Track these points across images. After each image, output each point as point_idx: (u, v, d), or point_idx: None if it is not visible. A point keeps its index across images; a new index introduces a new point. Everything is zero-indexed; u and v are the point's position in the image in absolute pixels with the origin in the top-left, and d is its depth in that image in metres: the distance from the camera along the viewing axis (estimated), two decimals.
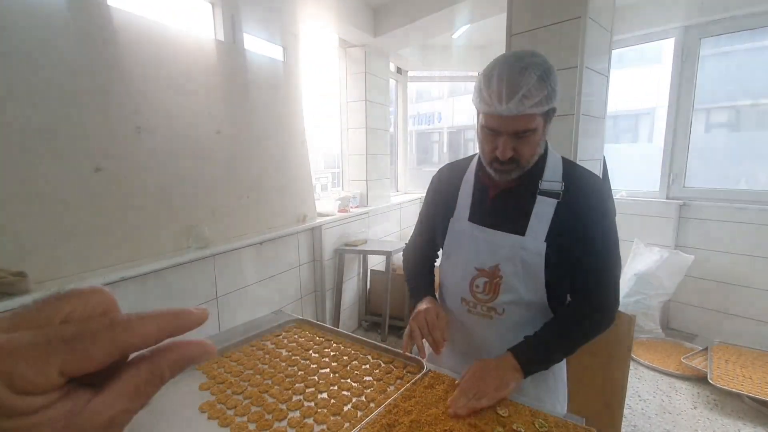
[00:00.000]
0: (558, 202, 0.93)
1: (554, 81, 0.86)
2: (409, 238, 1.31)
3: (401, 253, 3.17)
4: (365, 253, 3.25)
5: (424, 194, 1.23)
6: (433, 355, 1.06)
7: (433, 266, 1.24)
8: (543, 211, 0.94)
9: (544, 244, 0.93)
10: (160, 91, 1.74)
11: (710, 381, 2.28)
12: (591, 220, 0.93)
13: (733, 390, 2.19)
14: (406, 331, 1.03)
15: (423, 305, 1.06)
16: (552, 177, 0.96)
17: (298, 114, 2.56)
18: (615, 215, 0.99)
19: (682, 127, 3.06)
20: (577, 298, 0.99)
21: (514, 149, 0.90)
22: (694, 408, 2.22)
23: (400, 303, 3.16)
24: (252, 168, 2.22)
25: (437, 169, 1.21)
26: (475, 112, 0.97)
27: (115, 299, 0.23)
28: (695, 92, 3.00)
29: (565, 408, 1.10)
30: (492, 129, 0.90)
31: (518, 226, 0.96)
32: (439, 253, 1.19)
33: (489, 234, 0.99)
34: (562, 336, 0.95)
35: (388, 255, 2.94)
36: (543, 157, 0.98)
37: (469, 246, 1.02)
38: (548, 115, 0.90)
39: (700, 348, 2.72)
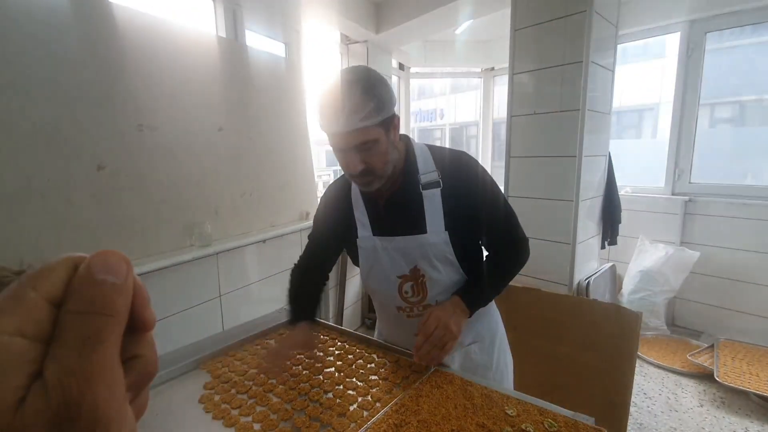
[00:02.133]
0: (441, 189, 0.99)
1: (381, 91, 0.89)
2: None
3: None
4: None
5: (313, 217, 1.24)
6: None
7: (318, 291, 1.23)
8: (432, 203, 0.99)
9: (446, 233, 1.00)
10: (162, 88, 1.73)
11: (717, 378, 2.27)
12: (475, 188, 1.02)
13: (740, 387, 2.18)
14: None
15: (293, 333, 1.11)
16: (426, 169, 1.01)
17: (300, 111, 2.55)
18: (488, 174, 1.06)
19: (687, 122, 3.03)
20: (494, 248, 1.10)
21: (364, 161, 0.92)
22: (701, 406, 2.21)
23: None
24: (254, 165, 2.21)
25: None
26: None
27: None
28: (701, 87, 2.97)
29: (511, 363, 1.23)
30: (336, 147, 0.93)
31: (418, 225, 1.00)
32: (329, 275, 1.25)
33: (396, 242, 1.02)
34: (494, 277, 1.08)
35: None
36: (411, 154, 1.03)
37: (384, 258, 1.05)
38: (387, 124, 0.92)
39: (706, 345, 2.70)
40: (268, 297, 2.33)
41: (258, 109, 2.22)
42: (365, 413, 0.83)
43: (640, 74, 3.86)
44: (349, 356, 1.07)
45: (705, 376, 2.41)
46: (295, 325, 1.13)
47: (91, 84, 1.48)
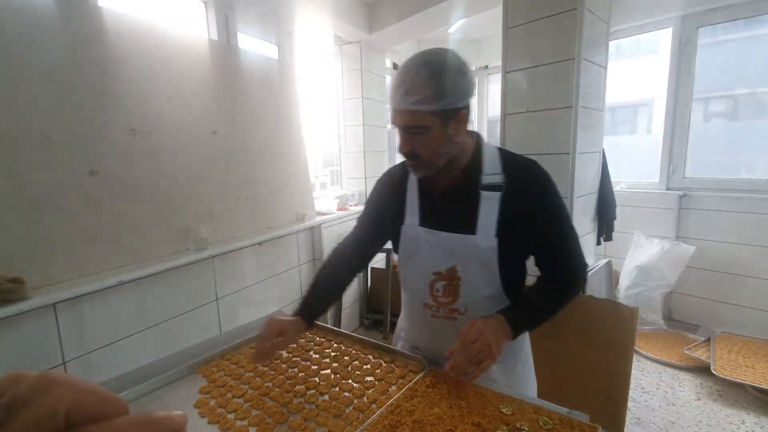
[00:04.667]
0: (502, 195, 0.95)
1: (450, 81, 0.86)
2: None
3: None
4: None
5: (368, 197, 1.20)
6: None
7: (350, 278, 1.20)
8: (489, 206, 0.95)
9: (495, 240, 0.94)
10: (154, 92, 1.72)
11: (713, 371, 2.28)
12: (540, 204, 0.96)
13: (737, 380, 2.19)
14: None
15: (282, 319, 1.02)
16: (492, 170, 0.97)
17: (295, 112, 2.55)
18: (558, 191, 1.01)
19: (681, 117, 3.04)
20: (548, 273, 1.03)
21: (411, 144, 0.91)
22: (698, 399, 2.22)
23: (401, 301, 3.15)
24: (249, 168, 2.21)
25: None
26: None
27: (82, 388, 0.19)
28: (694, 82, 2.98)
29: (536, 392, 1.14)
30: (392, 122, 0.93)
31: (468, 225, 0.96)
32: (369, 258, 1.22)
33: (441, 237, 0.99)
34: (545, 305, 1.00)
35: (389, 253, 2.93)
36: (478, 153, 0.99)
37: (424, 251, 1.02)
38: (447, 115, 0.89)
39: (703, 339, 2.72)
40: (266, 299, 2.34)
41: (251, 111, 2.22)
42: (361, 415, 0.83)
43: (634, 70, 3.87)
44: (345, 358, 1.07)
45: (702, 370, 2.43)
46: (299, 307, 1.08)
47: (82, 89, 1.48)
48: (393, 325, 3.04)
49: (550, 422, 0.77)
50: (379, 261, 3.50)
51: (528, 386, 1.12)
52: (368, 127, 3.38)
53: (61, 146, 1.42)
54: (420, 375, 0.95)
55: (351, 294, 3.20)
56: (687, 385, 2.34)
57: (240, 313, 2.15)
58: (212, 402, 0.90)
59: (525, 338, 1.14)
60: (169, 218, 1.79)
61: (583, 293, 1.01)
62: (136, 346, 1.64)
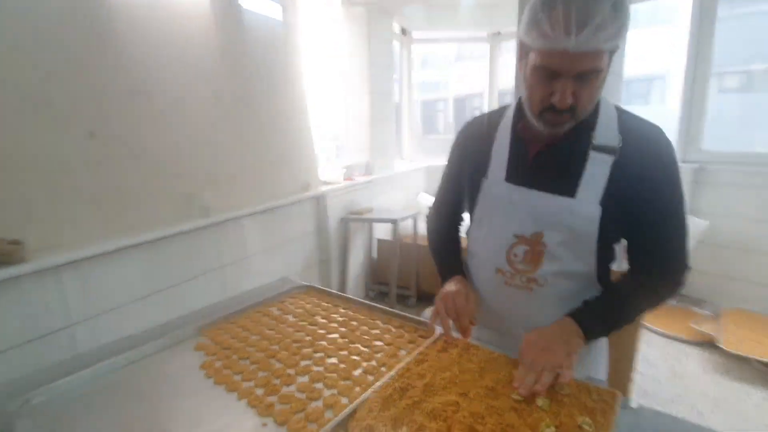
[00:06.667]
0: (615, 159, 0.79)
1: (627, 13, 0.71)
2: (431, 204, 1.18)
3: (408, 221, 3.09)
4: (372, 221, 3.21)
5: (449, 152, 1.07)
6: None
7: (459, 235, 1.13)
8: (597, 169, 0.80)
9: (599, 208, 0.80)
10: (153, 52, 1.65)
11: (720, 345, 2.26)
12: (656, 178, 0.80)
13: (743, 354, 2.18)
14: (433, 311, 0.95)
15: (451, 286, 0.95)
16: (607, 129, 0.81)
17: (299, 77, 2.46)
18: (679, 170, 0.82)
19: (698, 89, 2.91)
20: (641, 265, 0.88)
21: (574, 95, 0.74)
22: (704, 373, 2.21)
23: (407, 272, 3.14)
24: (252, 133, 2.15)
25: (457, 132, 1.06)
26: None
27: None
28: (712, 54, 2.84)
29: (606, 375, 1.00)
30: (551, 69, 0.73)
31: (567, 187, 0.82)
32: (465, 216, 1.08)
33: (531, 196, 0.85)
34: (625, 303, 0.86)
35: (395, 223, 2.89)
36: (595, 106, 0.82)
37: (507, 210, 0.89)
38: (613, 55, 0.75)
39: (711, 313, 2.70)
40: (270, 268, 2.32)
41: (254, 74, 2.14)
42: (370, 377, 0.81)
43: (649, 41, 3.73)
44: (353, 322, 1.04)
45: (708, 344, 2.42)
46: (448, 278, 1.00)
47: (80, 48, 1.42)
48: (398, 297, 3.04)
49: (569, 388, 0.75)
50: (384, 233, 3.47)
51: (600, 366, 0.98)
52: (375, 95, 3.28)
53: (59, 106, 1.37)
54: (430, 339, 0.92)
55: (356, 265, 3.19)
56: (694, 359, 2.34)
57: (244, 281, 2.14)
58: (218, 364, 0.88)
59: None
60: (171, 183, 1.75)
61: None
62: (142, 311, 1.64)
